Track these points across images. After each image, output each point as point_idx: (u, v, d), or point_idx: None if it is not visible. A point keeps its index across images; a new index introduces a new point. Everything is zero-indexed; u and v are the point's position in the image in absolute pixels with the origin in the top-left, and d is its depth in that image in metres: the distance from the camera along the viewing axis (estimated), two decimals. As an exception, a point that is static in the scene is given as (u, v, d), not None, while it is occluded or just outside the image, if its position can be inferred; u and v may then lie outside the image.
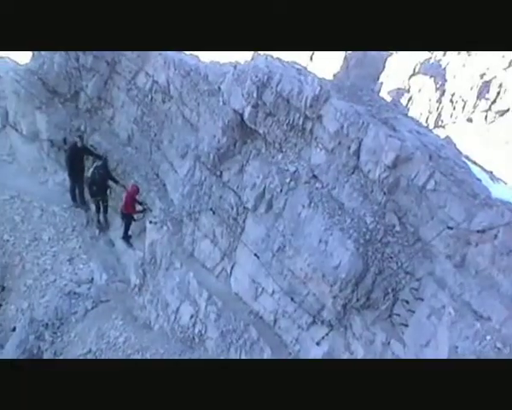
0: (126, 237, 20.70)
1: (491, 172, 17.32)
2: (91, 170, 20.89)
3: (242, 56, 18.38)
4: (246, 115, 16.53)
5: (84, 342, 18.00)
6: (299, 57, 25.51)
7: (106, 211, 21.37)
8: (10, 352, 18.12)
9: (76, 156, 21.48)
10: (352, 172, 14.70)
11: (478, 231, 12.53)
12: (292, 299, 15.37)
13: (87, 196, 21.88)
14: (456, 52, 30.26)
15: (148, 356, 16.59)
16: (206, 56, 21.31)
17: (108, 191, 21.18)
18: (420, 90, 29.43)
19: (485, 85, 29.36)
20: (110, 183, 21.04)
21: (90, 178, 20.90)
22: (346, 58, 33.50)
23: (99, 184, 20.45)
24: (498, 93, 29.11)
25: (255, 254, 16.36)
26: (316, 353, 14.85)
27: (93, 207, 21.72)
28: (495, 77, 29.46)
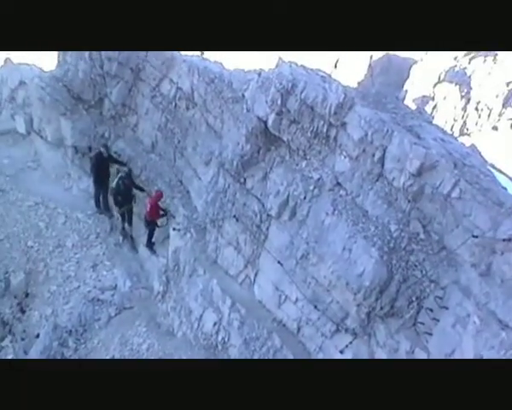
0: (150, 244, 20.74)
1: None
2: (116, 180, 20.94)
3: (267, 64, 18.39)
4: (270, 123, 16.53)
5: (108, 348, 18.03)
6: (324, 64, 25.45)
7: (131, 220, 21.39)
8: (34, 358, 18.13)
9: (101, 164, 21.62)
10: (377, 180, 14.65)
11: (504, 240, 12.42)
12: (315, 307, 15.31)
13: (111, 202, 21.89)
14: (482, 60, 30.01)
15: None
16: (231, 64, 21.35)
17: (133, 201, 21.15)
18: (445, 98, 29.19)
19: (511, 93, 29.01)
20: (135, 191, 21.01)
21: (114, 188, 20.90)
22: (370, 66, 33.18)
23: (124, 195, 20.47)
24: None
25: (279, 262, 16.33)
26: None
27: (117, 214, 21.75)
28: None
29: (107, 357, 17.74)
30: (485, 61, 29.70)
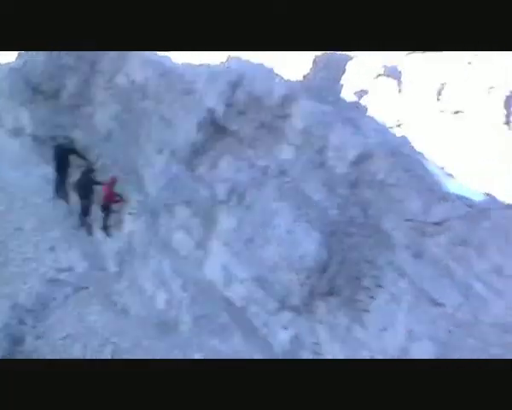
0: (105, 228, 20.50)
1: (443, 168, 17.64)
2: (79, 176, 20.62)
3: (217, 58, 18.40)
4: (219, 114, 16.61)
5: (64, 326, 17.72)
6: (271, 59, 25.55)
7: (88, 210, 21.21)
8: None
9: (62, 156, 21.31)
10: (318, 168, 14.77)
11: (434, 224, 12.80)
12: (261, 286, 15.33)
13: (68, 188, 21.66)
14: (415, 57, 30.42)
15: (125, 340, 16.39)
16: (181, 57, 21.27)
17: (92, 194, 20.97)
18: (381, 92, 29.48)
19: (441, 88, 29.45)
20: (94, 186, 20.83)
21: (76, 184, 20.60)
22: (315, 61, 33.23)
23: (84, 189, 20.23)
24: (454, 95, 29.22)
25: (227, 244, 16.31)
26: (283, 337, 14.83)
27: (73, 199, 21.51)
28: (449, 80, 29.53)
29: (64, 334, 17.47)
30: (418, 58, 30.16)
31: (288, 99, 15.36)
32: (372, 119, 18.22)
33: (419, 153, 16.08)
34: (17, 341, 17.15)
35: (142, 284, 17.76)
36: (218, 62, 17.58)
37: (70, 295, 18.53)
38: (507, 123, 27.97)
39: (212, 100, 16.79)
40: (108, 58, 22.20)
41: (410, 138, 19.02)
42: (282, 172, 15.38)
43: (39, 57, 22.62)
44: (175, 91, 19.26)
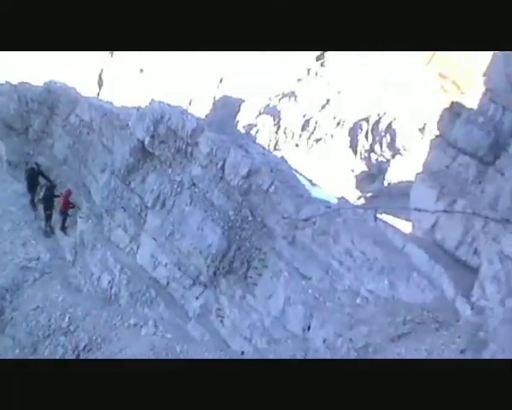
0: (63, 228, 20.36)
1: (311, 180, 18.41)
2: (43, 192, 20.64)
3: (143, 101, 18.89)
4: (146, 143, 16.69)
5: (34, 301, 17.38)
6: (181, 102, 26.86)
7: (51, 217, 20.70)
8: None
9: (33, 176, 21.15)
10: (220, 181, 15.04)
11: (303, 220, 13.17)
12: (179, 268, 15.42)
13: (37, 200, 21.44)
14: (287, 99, 32.24)
15: (79, 310, 16.37)
16: (118, 102, 21.92)
17: (53, 206, 20.67)
18: (263, 125, 30.56)
19: (306, 122, 30.90)
20: (55, 199, 20.52)
21: (42, 198, 20.57)
22: (215, 103, 34.26)
23: (48, 201, 19.93)
24: (315, 128, 30.66)
25: (153, 238, 16.35)
26: (195, 305, 15.07)
27: (39, 207, 21.14)
28: (312, 117, 30.82)
29: (33, 306, 17.13)
30: (289, 99, 31.82)
31: (196, 131, 15.73)
32: (258, 144, 19.87)
33: (292, 169, 17.31)
34: (-1, 313, 17.17)
35: (90, 269, 17.83)
36: (144, 105, 17.76)
37: (37, 278, 18.50)
38: (351, 147, 29.70)
39: (141, 133, 16.88)
40: (63, 103, 22.33)
41: (285, 159, 19.98)
42: (194, 185, 15.55)
43: (11, 104, 22.83)
44: (113, 127, 19.44)
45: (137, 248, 16.92)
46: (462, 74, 34.82)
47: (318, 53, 36.62)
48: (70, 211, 20.10)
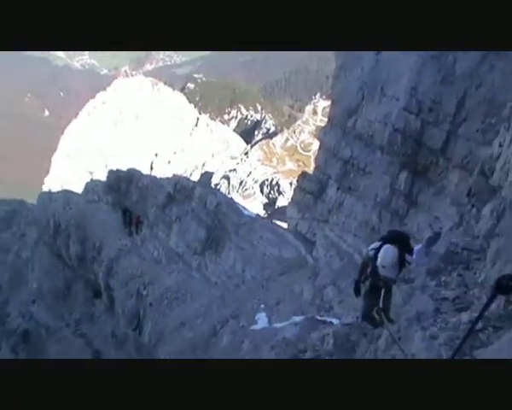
0: (136, 232, 31.24)
1: (243, 207, 31.63)
2: (128, 216, 32.27)
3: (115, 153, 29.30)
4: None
5: (124, 266, 26.97)
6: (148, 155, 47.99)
7: (130, 227, 32.22)
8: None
9: (125, 210, 32.18)
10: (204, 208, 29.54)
11: (242, 224, 27.57)
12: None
13: (125, 219, 32.83)
14: (233, 172, 62.43)
15: (148, 271, 25.74)
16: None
17: (132, 222, 32.61)
18: (223, 183, 56.84)
19: (240, 183, 60.14)
20: (133, 219, 32.58)
21: (128, 219, 32.47)
22: (201, 175, 57.18)
23: (130, 220, 31.98)
24: (244, 186, 58.62)
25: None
26: None
27: (127, 223, 32.33)
28: (243, 180, 58.31)
29: (123, 267, 26.93)
30: (233, 172, 59.19)
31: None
32: (221, 193, 45.74)
33: (236, 203, 34.58)
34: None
35: (149, 248, 30.33)
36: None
37: (126, 254, 29.43)
38: (261, 192, 59.75)
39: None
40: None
41: (233, 200, 37.33)
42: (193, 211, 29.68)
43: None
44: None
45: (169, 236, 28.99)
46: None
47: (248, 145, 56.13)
48: (139, 224, 30.88)
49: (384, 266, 7.81)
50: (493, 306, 5.82)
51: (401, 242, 8.05)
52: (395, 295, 8.31)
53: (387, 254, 7.82)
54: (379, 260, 7.87)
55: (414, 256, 8.43)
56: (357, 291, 8.68)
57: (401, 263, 7.88)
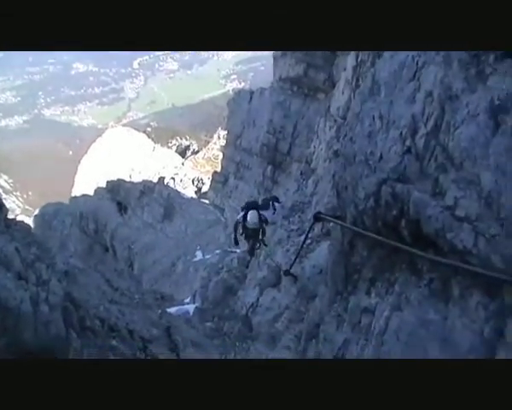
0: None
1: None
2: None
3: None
4: None
5: None
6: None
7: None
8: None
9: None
10: None
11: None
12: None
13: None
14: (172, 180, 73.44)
15: None
16: None
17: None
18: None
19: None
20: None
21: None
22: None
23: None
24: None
25: None
26: None
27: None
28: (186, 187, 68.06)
29: None
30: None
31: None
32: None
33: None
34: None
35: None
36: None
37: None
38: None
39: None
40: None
41: None
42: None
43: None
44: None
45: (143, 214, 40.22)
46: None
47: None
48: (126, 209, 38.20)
49: (251, 223, 12.20)
50: (316, 229, 11.11)
51: (256, 206, 12.64)
52: (268, 232, 13.28)
53: (253, 215, 12.17)
54: (248, 220, 12.19)
55: (268, 213, 12.95)
56: (236, 242, 13.56)
57: (260, 218, 12.29)
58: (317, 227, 11.21)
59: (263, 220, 12.50)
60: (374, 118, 3.72)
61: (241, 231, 12.95)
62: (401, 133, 3.26)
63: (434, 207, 2.74)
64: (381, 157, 3.42)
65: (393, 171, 3.22)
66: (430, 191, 2.84)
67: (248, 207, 12.64)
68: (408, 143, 3.15)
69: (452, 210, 2.60)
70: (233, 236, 13.60)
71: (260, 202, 14.11)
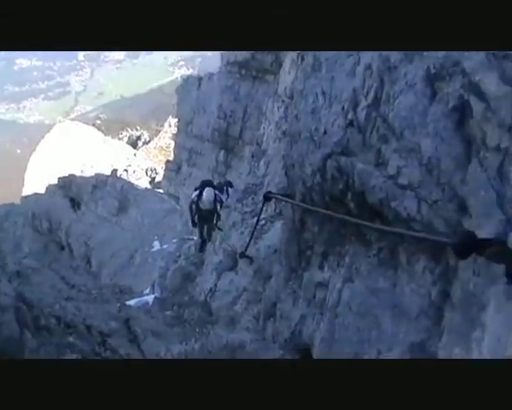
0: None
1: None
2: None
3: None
4: None
5: None
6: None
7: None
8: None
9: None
10: None
11: None
12: None
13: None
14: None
15: None
16: None
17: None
18: None
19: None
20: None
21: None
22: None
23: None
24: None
25: None
26: None
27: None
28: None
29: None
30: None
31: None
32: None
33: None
34: None
35: None
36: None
37: None
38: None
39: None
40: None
41: None
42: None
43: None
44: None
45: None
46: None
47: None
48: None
49: (207, 201, 11.74)
50: (269, 210, 11.19)
51: (211, 185, 12.34)
52: (222, 216, 13.01)
53: (208, 193, 11.72)
54: (203, 198, 11.71)
55: (222, 198, 12.48)
56: (194, 224, 12.83)
57: (215, 198, 11.84)
58: (271, 208, 11.10)
59: (218, 201, 12.08)
60: (317, 94, 3.73)
61: (195, 212, 12.47)
62: (343, 107, 3.28)
63: (378, 178, 2.78)
64: (325, 132, 3.44)
65: (337, 145, 3.25)
66: (373, 162, 2.87)
67: (204, 185, 12.21)
68: (350, 116, 3.18)
69: (395, 179, 2.64)
70: (190, 218, 13.06)
71: None
